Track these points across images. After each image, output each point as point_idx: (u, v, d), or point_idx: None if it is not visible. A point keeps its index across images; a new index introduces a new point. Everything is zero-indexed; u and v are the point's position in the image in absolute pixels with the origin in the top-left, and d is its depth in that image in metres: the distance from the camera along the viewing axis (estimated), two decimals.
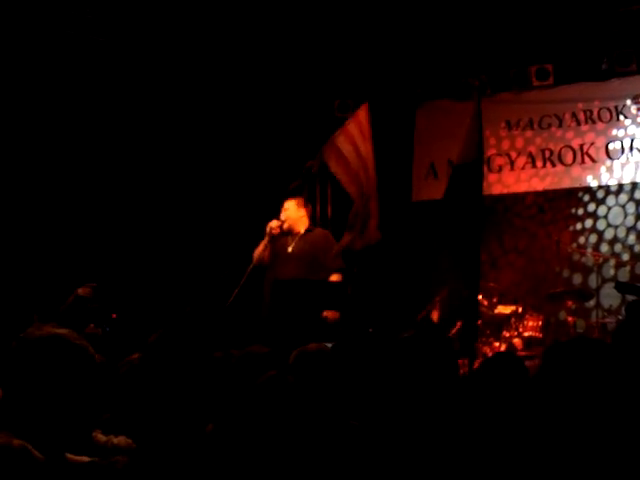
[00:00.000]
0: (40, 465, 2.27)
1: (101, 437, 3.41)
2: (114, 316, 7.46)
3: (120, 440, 3.42)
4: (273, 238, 8.30)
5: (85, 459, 2.96)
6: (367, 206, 8.29)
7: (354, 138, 8.36)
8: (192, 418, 3.07)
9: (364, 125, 8.40)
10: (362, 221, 8.21)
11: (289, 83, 11.02)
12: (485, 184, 10.78)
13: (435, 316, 9.52)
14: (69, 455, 2.94)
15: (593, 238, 10.37)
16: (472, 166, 7.74)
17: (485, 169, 10.87)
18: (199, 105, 10.41)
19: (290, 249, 8.34)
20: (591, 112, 10.40)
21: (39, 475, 2.29)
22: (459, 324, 9.43)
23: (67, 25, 9.03)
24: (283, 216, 8.39)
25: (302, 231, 8.41)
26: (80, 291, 5.35)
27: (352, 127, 8.44)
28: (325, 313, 8.07)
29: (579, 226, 10.48)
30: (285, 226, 8.36)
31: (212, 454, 2.56)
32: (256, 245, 8.39)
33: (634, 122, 10.17)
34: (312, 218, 8.72)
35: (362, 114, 8.46)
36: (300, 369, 3.94)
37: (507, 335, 9.44)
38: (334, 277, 8.24)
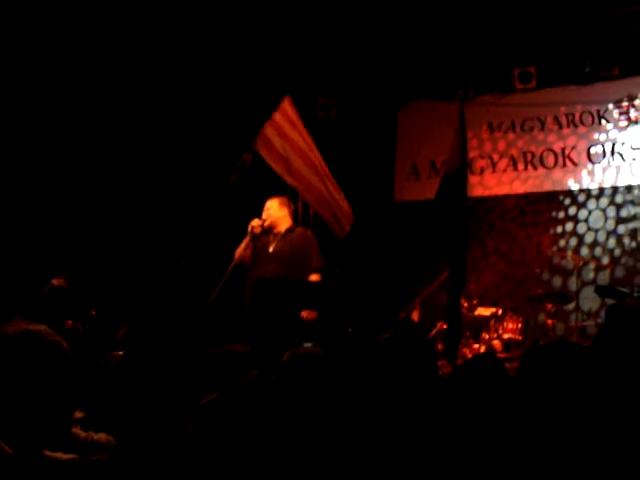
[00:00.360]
0: (10, 460, 2.25)
1: (80, 433, 3.39)
2: (93, 313, 7.41)
3: (100, 436, 3.40)
4: (255, 237, 8.27)
5: (64, 456, 2.95)
6: (328, 191, 8.32)
7: (283, 129, 8.37)
8: (172, 416, 3.07)
9: (292, 116, 8.41)
10: (329, 208, 8.26)
11: (272, 82, 10.99)
12: (467, 186, 10.89)
13: (415, 316, 9.54)
14: (47, 452, 2.93)
15: (573, 241, 10.41)
16: (457, 174, 7.87)
17: (467, 171, 10.89)
18: (184, 102, 10.38)
19: (271, 249, 8.32)
20: (573, 116, 10.44)
21: (10, 470, 2.27)
22: (440, 325, 9.49)
23: (62, 22, 9.00)
24: (264, 215, 8.37)
25: (283, 230, 8.39)
26: (55, 282, 5.31)
27: (279, 119, 8.45)
28: (303, 313, 8.06)
29: (560, 229, 10.52)
30: (266, 224, 8.33)
31: (192, 453, 2.55)
32: (238, 244, 8.37)
33: (616, 126, 10.21)
34: (294, 217, 8.69)
35: (287, 106, 8.47)
36: (293, 370, 3.94)
37: (487, 337, 9.47)
38: (313, 277, 8.23)
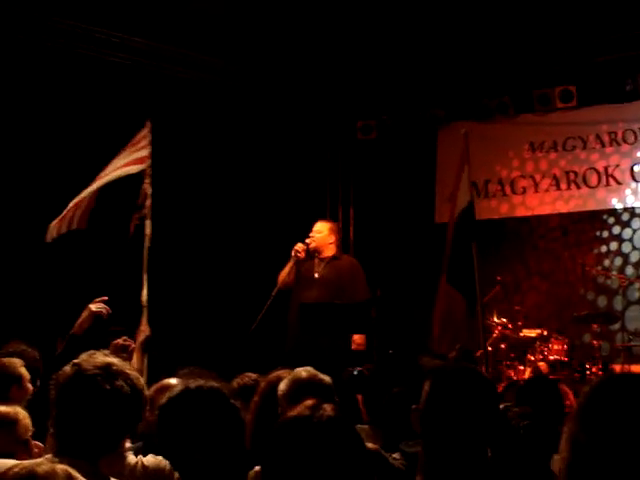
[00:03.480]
0: None
1: (132, 458, 3.42)
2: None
3: (149, 461, 3.42)
4: (298, 261, 8.23)
5: None
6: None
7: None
8: (231, 446, 3.07)
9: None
10: None
11: (312, 105, 11.03)
12: (509, 206, 10.85)
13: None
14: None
15: (618, 261, 10.30)
16: (467, 212, 8.02)
17: (509, 191, 10.85)
18: (227, 128, 10.40)
19: (317, 274, 8.28)
20: (615, 134, 10.35)
21: None
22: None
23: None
24: (311, 237, 8.30)
25: (329, 256, 8.33)
26: (93, 307, 5.29)
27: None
28: (354, 337, 8.04)
29: (604, 249, 10.41)
30: (311, 247, 8.27)
31: None
32: (280, 268, 8.34)
33: None
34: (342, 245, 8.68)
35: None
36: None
37: (532, 359, 9.37)
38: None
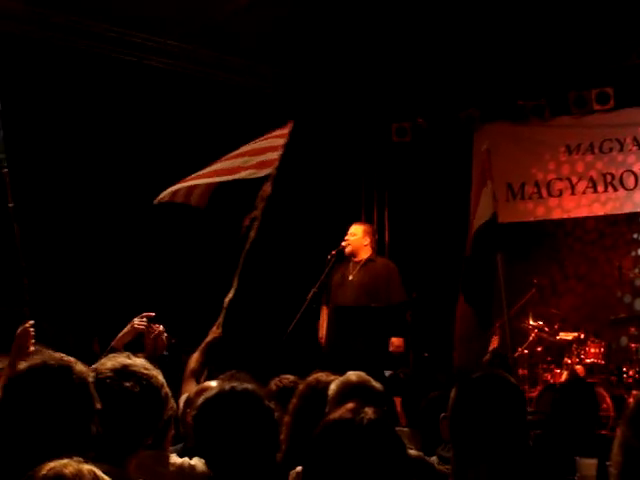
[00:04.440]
0: None
1: (176, 459, 3.45)
2: (173, 341, 7.47)
3: (197, 462, 3.45)
4: (334, 265, 8.22)
5: None
6: None
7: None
8: (264, 447, 3.09)
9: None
10: None
11: (347, 108, 11.04)
12: (545, 209, 10.79)
13: (495, 341, 9.44)
14: None
15: None
16: (490, 224, 8.02)
17: (545, 193, 10.79)
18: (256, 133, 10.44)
19: (351, 277, 8.29)
20: None
21: None
22: (521, 350, 9.42)
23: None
24: (346, 240, 8.31)
25: (365, 259, 8.34)
26: (136, 323, 5.30)
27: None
28: (393, 340, 8.04)
29: None
30: (347, 250, 8.29)
31: None
32: (314, 272, 8.32)
33: None
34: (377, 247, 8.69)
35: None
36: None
37: (569, 362, 9.33)
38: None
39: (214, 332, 6.13)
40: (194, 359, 5.63)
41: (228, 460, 3.02)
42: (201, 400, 3.24)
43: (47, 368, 2.74)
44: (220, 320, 6.33)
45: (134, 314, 5.35)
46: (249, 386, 3.21)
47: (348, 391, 4.00)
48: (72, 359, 2.83)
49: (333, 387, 4.07)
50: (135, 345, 5.14)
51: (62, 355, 2.83)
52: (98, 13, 9.03)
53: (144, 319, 5.24)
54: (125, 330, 5.20)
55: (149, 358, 5.57)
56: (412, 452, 3.67)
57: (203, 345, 5.82)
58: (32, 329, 4.83)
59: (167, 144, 9.71)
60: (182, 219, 9.04)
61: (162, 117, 9.65)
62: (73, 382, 2.72)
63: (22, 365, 2.81)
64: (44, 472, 2.19)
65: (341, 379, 4.14)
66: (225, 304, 6.55)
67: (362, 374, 4.20)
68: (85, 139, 9.19)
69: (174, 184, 7.01)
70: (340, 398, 3.90)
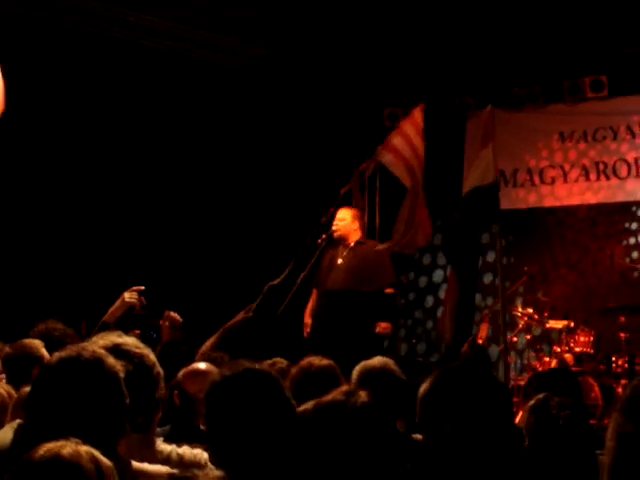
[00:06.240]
0: (111, 472, 2.23)
1: (165, 447, 3.36)
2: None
3: (185, 451, 3.37)
4: (323, 249, 8.21)
5: (162, 470, 2.95)
6: (414, 205, 8.16)
7: (409, 136, 8.22)
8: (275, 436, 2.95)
9: (419, 124, 8.25)
10: (406, 223, 8.08)
11: (338, 92, 10.98)
12: (537, 196, 10.76)
13: (484, 330, 9.42)
14: (136, 464, 2.93)
15: None
16: (489, 190, 7.85)
17: (537, 181, 10.76)
18: (249, 115, 10.40)
19: (340, 260, 8.27)
20: None
21: None
22: (510, 338, 9.39)
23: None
24: (335, 225, 8.30)
25: (353, 243, 8.32)
26: (127, 297, 5.25)
27: (407, 126, 8.31)
28: (379, 324, 8.01)
29: (632, 240, 10.32)
30: (336, 235, 8.27)
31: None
32: (306, 254, 8.29)
33: None
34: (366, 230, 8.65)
35: (417, 114, 8.32)
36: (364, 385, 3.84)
37: (558, 350, 9.31)
38: (389, 290, 8.17)
39: (242, 315, 6.07)
40: (209, 343, 5.57)
41: (245, 447, 2.82)
42: (211, 385, 3.00)
43: (79, 360, 2.73)
44: (255, 304, 6.31)
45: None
46: (265, 368, 3.03)
47: (370, 377, 3.96)
48: (104, 352, 2.82)
49: (355, 373, 4.04)
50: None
51: (95, 348, 2.83)
52: None
53: (134, 292, 5.19)
54: (116, 304, 5.14)
55: (167, 345, 5.58)
56: (417, 436, 3.63)
57: (222, 330, 5.75)
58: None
59: (160, 124, 9.65)
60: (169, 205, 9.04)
61: (156, 97, 9.59)
62: (105, 375, 2.72)
63: (54, 356, 2.81)
64: (41, 453, 2.15)
65: (363, 364, 4.09)
66: (265, 290, 6.59)
67: (386, 360, 4.16)
68: (76, 119, 9.11)
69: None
70: (361, 384, 3.85)
